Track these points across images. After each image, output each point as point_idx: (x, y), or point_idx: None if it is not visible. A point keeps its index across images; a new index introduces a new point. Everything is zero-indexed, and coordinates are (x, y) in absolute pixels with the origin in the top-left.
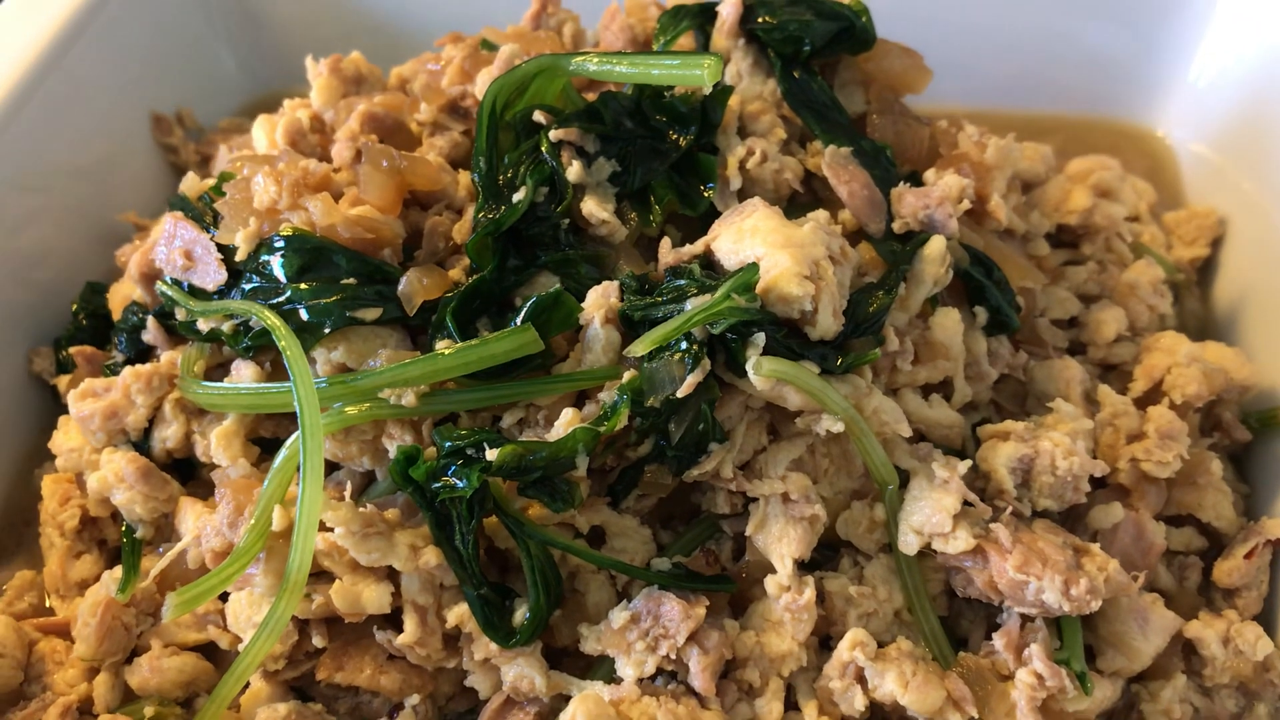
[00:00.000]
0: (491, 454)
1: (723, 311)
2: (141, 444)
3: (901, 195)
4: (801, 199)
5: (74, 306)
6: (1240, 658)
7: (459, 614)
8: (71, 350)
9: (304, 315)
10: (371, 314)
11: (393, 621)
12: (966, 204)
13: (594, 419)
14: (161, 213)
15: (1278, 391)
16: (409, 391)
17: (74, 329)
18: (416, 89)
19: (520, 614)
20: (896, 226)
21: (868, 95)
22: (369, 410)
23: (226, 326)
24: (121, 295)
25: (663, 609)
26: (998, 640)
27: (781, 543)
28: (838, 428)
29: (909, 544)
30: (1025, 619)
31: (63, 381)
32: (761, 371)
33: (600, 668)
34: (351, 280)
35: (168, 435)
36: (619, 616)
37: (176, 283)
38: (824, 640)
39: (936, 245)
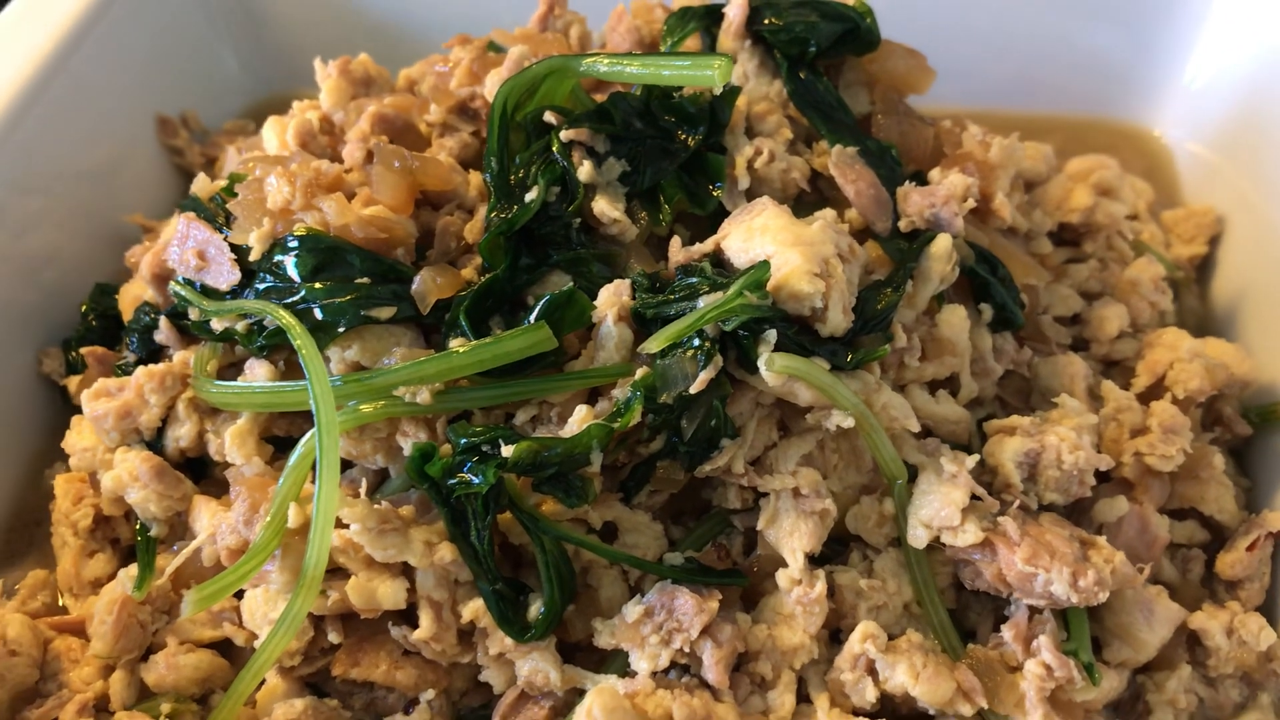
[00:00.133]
0: (507, 450)
1: (735, 308)
2: (154, 443)
3: (907, 194)
4: (808, 198)
5: (83, 307)
6: (1244, 648)
7: (474, 609)
8: (82, 351)
9: (318, 314)
10: (386, 313)
11: (407, 617)
12: (972, 203)
13: (607, 415)
14: (167, 215)
15: (1277, 387)
16: (424, 389)
17: (84, 330)
18: (425, 90)
19: (535, 609)
20: (903, 225)
21: (872, 96)
22: (384, 408)
23: (241, 326)
24: (132, 296)
25: (676, 603)
26: (1006, 632)
27: (793, 537)
28: (848, 423)
29: (918, 538)
30: (1033, 611)
31: (72, 382)
32: (774, 367)
33: (614, 662)
34: (365, 279)
35: (181, 434)
36: (633, 611)
37: (189, 283)
38: (834, 633)
39: (943, 243)
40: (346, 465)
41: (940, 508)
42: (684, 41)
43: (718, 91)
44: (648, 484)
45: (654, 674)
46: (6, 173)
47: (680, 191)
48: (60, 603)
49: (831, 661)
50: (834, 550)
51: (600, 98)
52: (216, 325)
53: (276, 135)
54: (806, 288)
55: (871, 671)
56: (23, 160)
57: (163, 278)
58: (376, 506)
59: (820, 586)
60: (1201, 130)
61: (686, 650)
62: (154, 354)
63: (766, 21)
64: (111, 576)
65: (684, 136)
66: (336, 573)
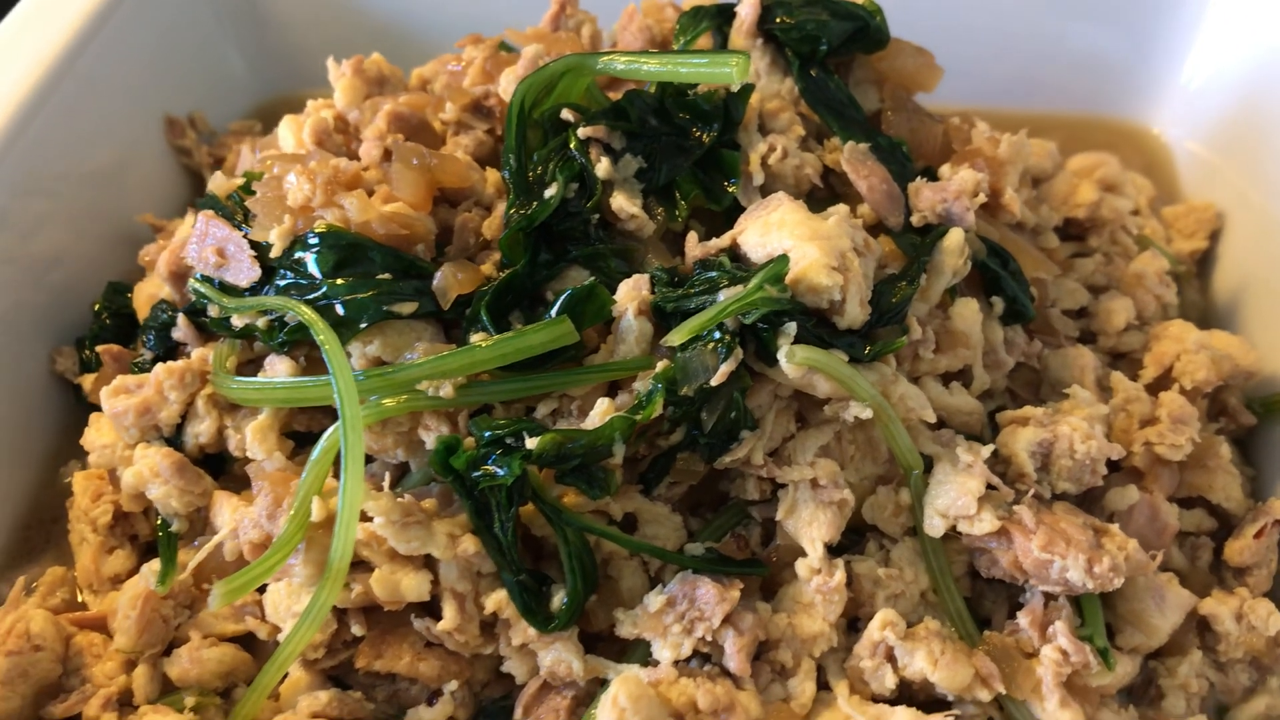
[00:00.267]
0: (531, 442)
1: (756, 301)
2: (174, 439)
3: (919, 189)
4: (820, 194)
5: (96, 306)
6: (1253, 633)
7: (497, 600)
8: (98, 349)
9: (340, 310)
10: (408, 308)
11: (430, 609)
12: (982, 197)
13: (629, 408)
14: (175, 215)
15: (1278, 378)
16: (446, 383)
17: (98, 328)
18: (439, 89)
19: (558, 599)
20: (915, 220)
21: (882, 93)
22: (407, 402)
23: (261, 322)
24: (147, 294)
25: (698, 592)
26: (1022, 618)
27: (812, 527)
28: (867, 414)
29: (934, 527)
30: (1048, 598)
31: (87, 380)
32: (794, 360)
33: (635, 651)
34: (386, 275)
35: (200, 430)
36: (655, 600)
37: (208, 280)
38: (852, 622)
39: (955, 237)
40: (368, 459)
41: (956, 497)
42: (696, 40)
43: (735, 89)
44: (668, 476)
45: (676, 663)
46: (15, 174)
47: (696, 187)
48: (80, 599)
49: (850, 649)
50: (851, 540)
51: (614, 96)
52: (236, 322)
53: (293, 134)
54: (825, 280)
55: (890, 659)
56: (31, 161)
57: (180, 275)
58: (400, 499)
59: (839, 575)
60: (1199, 128)
61: (709, 639)
62: (171, 351)
63: (778, 20)
64: (131, 572)
65: (699, 133)
66: (359, 566)
